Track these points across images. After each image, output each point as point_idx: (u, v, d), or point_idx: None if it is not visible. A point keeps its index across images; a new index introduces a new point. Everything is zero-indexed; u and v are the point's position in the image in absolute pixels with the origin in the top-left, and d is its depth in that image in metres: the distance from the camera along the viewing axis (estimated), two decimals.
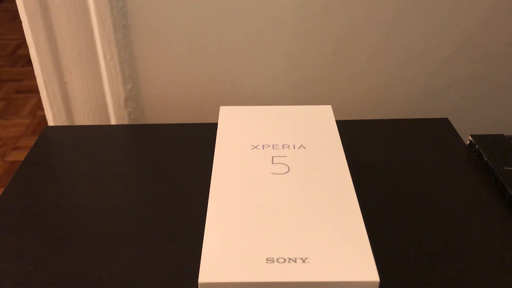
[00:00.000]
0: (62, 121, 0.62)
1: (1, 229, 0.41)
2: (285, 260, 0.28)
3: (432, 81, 0.63)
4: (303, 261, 0.28)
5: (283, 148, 0.38)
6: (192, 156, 0.50)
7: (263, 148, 0.38)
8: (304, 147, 0.38)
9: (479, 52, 0.61)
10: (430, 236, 0.39)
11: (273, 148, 0.38)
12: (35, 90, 1.58)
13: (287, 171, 0.35)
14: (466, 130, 0.57)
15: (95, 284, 0.36)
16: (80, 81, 0.60)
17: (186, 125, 0.55)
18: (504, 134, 0.50)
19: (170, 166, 0.48)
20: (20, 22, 0.56)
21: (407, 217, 0.42)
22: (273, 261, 0.28)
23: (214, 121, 0.46)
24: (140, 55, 0.60)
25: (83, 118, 0.62)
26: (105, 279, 0.36)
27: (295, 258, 0.28)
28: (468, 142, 0.50)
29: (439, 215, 0.42)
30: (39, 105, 1.56)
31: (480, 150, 0.48)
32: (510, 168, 0.45)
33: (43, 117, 1.49)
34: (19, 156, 1.35)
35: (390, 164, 0.48)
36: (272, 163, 0.36)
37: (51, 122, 0.62)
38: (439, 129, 0.54)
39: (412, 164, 0.48)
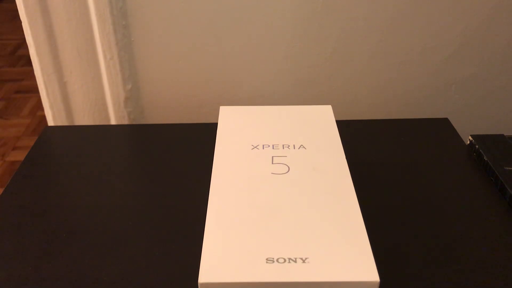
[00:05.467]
0: (62, 121, 0.62)
1: (1, 229, 0.41)
2: (285, 260, 0.28)
3: (432, 81, 0.63)
4: (303, 261, 0.28)
5: (283, 148, 0.38)
6: (192, 156, 0.50)
7: (263, 148, 0.38)
8: (304, 147, 0.38)
9: (479, 52, 0.61)
10: (430, 236, 0.39)
11: (273, 148, 0.38)
12: (35, 90, 1.58)
13: (287, 171, 0.35)
14: (466, 130, 0.57)
15: (95, 284, 0.36)
16: (80, 81, 0.60)
17: (186, 125, 0.55)
18: (504, 134, 0.50)
19: (170, 166, 0.48)
20: (20, 22, 0.56)
21: (407, 217, 0.42)
22: (273, 261, 0.28)
23: (214, 121, 0.46)
24: (140, 55, 0.60)
25: (83, 118, 0.62)
26: (105, 279, 0.36)
27: (295, 258, 0.28)
28: (468, 142, 0.50)
29: (439, 215, 0.42)
30: (39, 105, 1.56)
31: (480, 150, 0.48)
32: (510, 168, 0.45)
33: (43, 117, 1.49)
34: (19, 156, 1.35)
35: (390, 164, 0.48)
36: (272, 163, 0.36)
37: (51, 122, 0.62)
38: (439, 129, 0.54)
39: (412, 164, 0.48)
